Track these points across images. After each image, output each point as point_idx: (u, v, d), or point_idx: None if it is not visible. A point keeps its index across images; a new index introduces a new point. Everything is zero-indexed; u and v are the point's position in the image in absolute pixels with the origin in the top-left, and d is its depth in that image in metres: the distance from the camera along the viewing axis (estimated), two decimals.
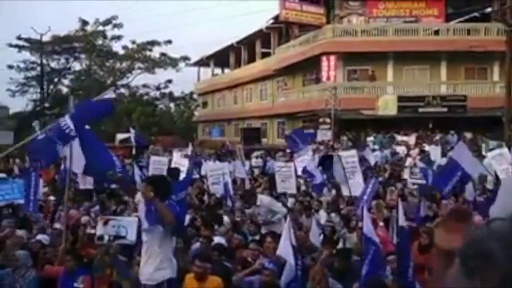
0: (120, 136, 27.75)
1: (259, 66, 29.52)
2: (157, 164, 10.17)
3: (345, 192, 7.93)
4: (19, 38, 31.77)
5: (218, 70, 38.55)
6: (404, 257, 4.24)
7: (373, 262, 4.10)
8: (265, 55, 29.67)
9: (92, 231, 6.08)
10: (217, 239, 6.06)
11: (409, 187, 9.24)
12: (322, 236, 5.85)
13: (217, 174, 9.08)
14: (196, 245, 5.80)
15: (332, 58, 22.41)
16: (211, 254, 4.88)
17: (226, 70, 37.10)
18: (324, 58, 22.52)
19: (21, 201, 7.67)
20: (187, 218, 6.41)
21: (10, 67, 32.89)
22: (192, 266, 4.34)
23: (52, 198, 8.71)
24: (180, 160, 10.21)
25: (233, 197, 8.25)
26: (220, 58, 35.11)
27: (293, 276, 4.26)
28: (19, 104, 36.37)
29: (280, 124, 28.45)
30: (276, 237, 4.90)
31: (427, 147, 14.55)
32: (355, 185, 7.55)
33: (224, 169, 9.08)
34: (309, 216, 7.02)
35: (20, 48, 32.19)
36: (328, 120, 20.73)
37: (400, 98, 20.80)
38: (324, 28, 23.29)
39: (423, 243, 5.09)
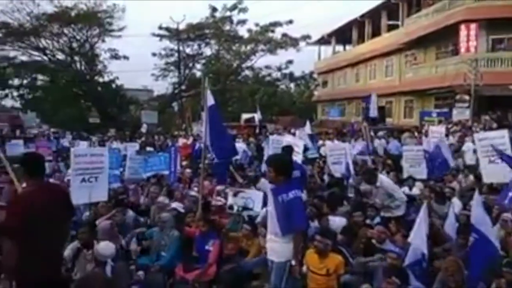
0: (245, 116, 29.35)
1: (385, 40, 27.60)
2: (276, 144, 10.47)
3: (487, 178, 6.94)
4: (160, 27, 35.79)
5: (339, 48, 37.38)
6: None
7: None
8: (391, 28, 27.58)
9: (222, 200, 6.68)
10: (338, 220, 6.03)
11: None
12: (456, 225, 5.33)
13: (338, 154, 8.95)
14: (315, 224, 5.88)
15: (473, 26, 19.62)
16: (331, 232, 4.89)
17: (348, 47, 35.72)
18: (463, 27, 19.88)
19: (166, 172, 8.82)
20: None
21: (154, 54, 37.45)
22: (313, 242, 4.43)
23: (188, 170, 9.72)
24: (295, 140, 10.27)
25: (355, 178, 8.05)
26: (342, 35, 33.91)
27: (417, 260, 4.01)
28: (162, 88, 41.33)
29: (407, 102, 26.39)
30: (403, 223, 4.62)
31: None
32: (500, 171, 6.48)
33: (346, 149, 8.88)
34: (441, 204, 6.45)
35: (161, 37, 36.23)
36: (466, 97, 18.40)
37: None
38: None
39: None
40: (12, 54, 32.90)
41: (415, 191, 7.76)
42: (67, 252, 4.58)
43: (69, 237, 4.41)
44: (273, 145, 9.78)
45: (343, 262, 4.34)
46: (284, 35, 36.56)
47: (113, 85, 36.99)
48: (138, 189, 7.95)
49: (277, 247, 3.74)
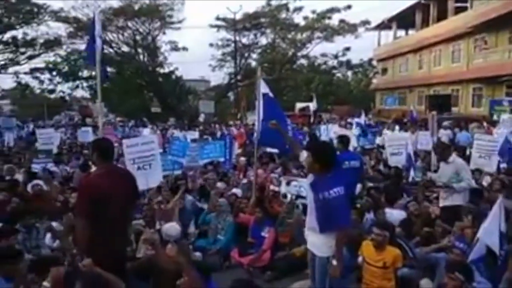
0: (299, 105, 29.12)
1: (452, 23, 25.73)
2: (328, 133, 10.28)
3: None
4: (217, 18, 36.41)
5: (401, 33, 35.51)
6: None
7: None
8: (459, 10, 25.64)
9: (276, 188, 6.74)
10: (396, 212, 5.83)
11: None
12: None
13: (398, 145, 8.60)
14: (370, 215, 5.73)
15: None
16: (389, 224, 4.73)
17: (411, 32, 33.83)
18: None
19: (221, 159, 9.06)
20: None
21: (211, 45, 38.25)
22: (370, 234, 4.33)
23: (243, 158, 9.91)
24: (343, 130, 9.99)
25: (417, 169, 7.70)
26: (404, 19, 32.14)
27: (481, 256, 3.77)
28: (218, 78, 42.21)
29: (476, 90, 24.52)
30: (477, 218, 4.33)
31: None
32: None
33: (406, 139, 8.51)
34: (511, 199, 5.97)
35: (218, 27, 36.85)
36: None
37: None
38: None
39: None
40: (81, 47, 35.37)
41: (484, 183, 7.27)
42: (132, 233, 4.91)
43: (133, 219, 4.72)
44: (324, 134, 9.63)
45: (401, 255, 4.20)
46: (342, 21, 35.54)
47: (173, 76, 38.41)
48: (196, 175, 8.26)
49: (317, 241, 3.49)
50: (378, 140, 12.14)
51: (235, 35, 36.45)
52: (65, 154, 13.06)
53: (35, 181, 6.69)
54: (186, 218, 5.98)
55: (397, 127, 15.43)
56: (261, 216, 5.59)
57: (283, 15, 36.46)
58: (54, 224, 5.32)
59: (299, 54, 39.12)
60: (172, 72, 38.26)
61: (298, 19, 36.59)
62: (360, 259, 4.39)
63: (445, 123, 15.41)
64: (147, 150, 6.35)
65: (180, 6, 34.98)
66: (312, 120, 22.79)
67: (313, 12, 35.89)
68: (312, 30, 36.38)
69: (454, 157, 5.72)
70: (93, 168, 6.76)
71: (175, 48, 37.18)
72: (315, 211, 3.39)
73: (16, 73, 34.48)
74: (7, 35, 32.19)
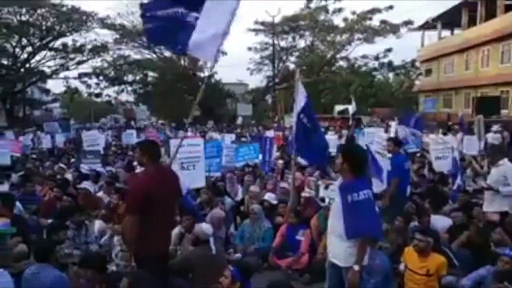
0: (338, 108, 28.69)
1: (502, 22, 24.39)
2: (371, 136, 10.04)
3: None
4: (255, 22, 36.71)
5: (446, 33, 34.11)
6: None
7: None
8: (509, 8, 24.27)
9: (307, 194, 6.68)
10: (441, 219, 5.62)
11: None
12: None
13: (443, 149, 8.29)
14: (414, 222, 5.56)
15: None
16: (433, 231, 4.58)
17: (456, 31, 32.42)
18: None
19: (256, 161, 9.09)
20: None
21: (249, 49, 38.61)
22: (413, 240, 4.21)
23: (280, 161, 9.90)
24: (379, 132, 9.70)
25: (467, 177, 7.39)
26: (450, 18, 30.85)
27: None
28: (256, 81, 42.51)
29: None
30: None
31: None
32: None
33: (452, 143, 8.18)
34: None
35: (257, 31, 37.14)
36: None
37: None
38: None
39: None
40: (127, 53, 36.86)
41: None
42: (173, 236, 5.04)
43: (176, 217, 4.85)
44: (364, 137, 9.43)
45: (445, 262, 4.06)
46: (383, 22, 34.63)
47: (212, 80, 39.14)
48: (233, 177, 8.35)
49: (340, 251, 3.31)
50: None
51: (274, 38, 36.58)
52: (110, 155, 13.64)
53: (83, 185, 6.88)
54: (226, 220, 6.06)
55: (440, 131, 14.85)
56: (295, 221, 5.57)
57: (322, 17, 36.12)
58: (101, 223, 5.57)
59: (338, 56, 38.57)
60: (211, 75, 39.00)
61: (338, 20, 36.15)
62: (402, 266, 4.28)
63: (495, 127, 14.62)
64: (193, 152, 6.52)
65: None
66: (350, 123, 22.38)
67: (353, 13, 35.29)
68: (352, 32, 35.74)
69: (505, 161, 5.54)
70: (138, 169, 7.05)
71: None
72: (343, 215, 3.26)
73: (66, 78, 36.50)
74: (58, 42, 34.22)
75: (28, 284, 3.49)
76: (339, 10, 35.24)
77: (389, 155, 6.45)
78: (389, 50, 36.60)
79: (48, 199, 6.63)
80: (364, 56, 37.68)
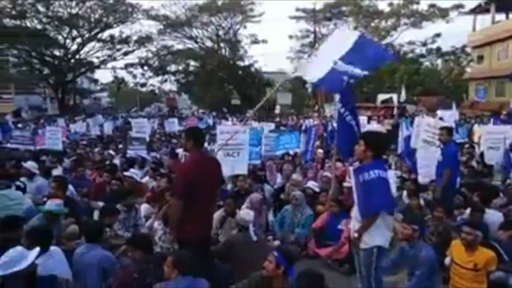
0: (381, 97, 27.76)
1: None
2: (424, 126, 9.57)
3: None
4: (297, 9, 36.18)
5: (500, 16, 31.82)
6: None
7: None
8: None
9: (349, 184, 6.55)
10: (492, 213, 5.34)
11: None
12: None
13: (496, 139, 7.83)
14: (461, 215, 5.34)
15: None
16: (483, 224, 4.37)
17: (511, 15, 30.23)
18: None
19: (297, 150, 9.06)
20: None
21: (290, 36, 38.22)
22: (460, 233, 4.04)
23: (320, 151, 9.79)
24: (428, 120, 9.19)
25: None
26: (504, 1, 28.73)
27: None
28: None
29: None
30: None
31: None
32: None
33: (507, 133, 7.71)
34: None
35: (298, 18, 36.61)
36: None
37: None
38: None
39: None
40: (169, 43, 37.70)
41: None
42: (215, 220, 5.16)
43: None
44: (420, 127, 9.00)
45: (495, 257, 3.86)
46: (432, 5, 32.92)
47: (252, 69, 39.17)
48: (272, 165, 8.38)
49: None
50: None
51: (315, 25, 35.88)
52: (155, 142, 14.15)
53: (129, 173, 6.79)
54: (266, 206, 6.11)
55: (491, 121, 13.96)
56: (337, 210, 5.51)
57: (367, 1, 34.95)
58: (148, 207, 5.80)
59: (383, 42, 37.22)
60: (251, 64, 39.03)
61: (383, 5, 34.90)
62: (447, 259, 4.13)
63: None
64: (238, 139, 6.60)
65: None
66: (394, 111, 21.60)
67: None
68: (398, 17, 34.29)
69: None
70: (181, 155, 7.23)
71: (255, 41, 37.87)
72: (356, 196, 3.39)
73: (113, 68, 38.04)
74: (106, 34, 35.64)
75: (77, 262, 3.72)
76: None
77: (437, 143, 6.23)
78: (437, 35, 34.78)
79: (98, 183, 6.99)
80: (410, 42, 36.11)
